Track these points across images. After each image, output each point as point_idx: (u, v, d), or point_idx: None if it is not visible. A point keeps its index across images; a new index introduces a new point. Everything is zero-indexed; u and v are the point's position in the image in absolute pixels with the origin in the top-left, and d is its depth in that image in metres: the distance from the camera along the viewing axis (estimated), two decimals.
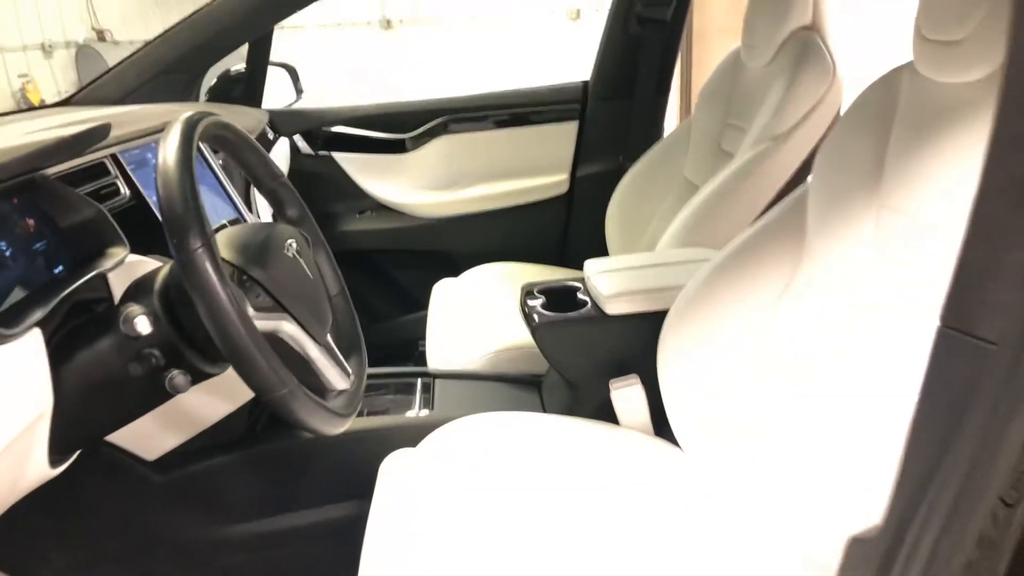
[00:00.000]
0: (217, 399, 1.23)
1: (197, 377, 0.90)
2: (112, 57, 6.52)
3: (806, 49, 1.51)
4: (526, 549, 1.01)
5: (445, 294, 1.91)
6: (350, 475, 1.30)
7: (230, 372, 0.89)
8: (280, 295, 0.86)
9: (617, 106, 2.07)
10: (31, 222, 0.98)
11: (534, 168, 2.14)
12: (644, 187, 1.92)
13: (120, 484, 1.24)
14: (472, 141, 2.11)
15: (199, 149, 1.42)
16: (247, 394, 1.25)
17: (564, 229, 2.17)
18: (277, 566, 1.37)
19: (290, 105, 2.18)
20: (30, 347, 0.82)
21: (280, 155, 1.93)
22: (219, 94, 2.06)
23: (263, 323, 0.83)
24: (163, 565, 1.32)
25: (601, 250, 1.98)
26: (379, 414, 1.41)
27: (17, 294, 0.90)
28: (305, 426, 0.83)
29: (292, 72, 2.20)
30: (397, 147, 2.09)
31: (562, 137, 2.12)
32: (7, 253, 0.91)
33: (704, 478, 1.17)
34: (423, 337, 1.80)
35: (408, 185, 2.12)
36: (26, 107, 6.68)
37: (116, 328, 0.86)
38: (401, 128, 2.09)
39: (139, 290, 0.90)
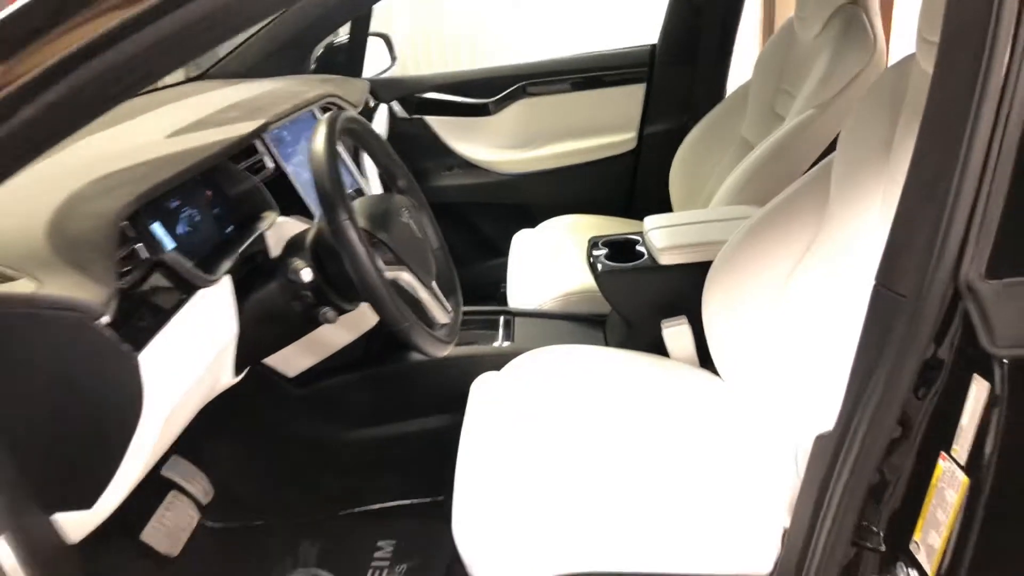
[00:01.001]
0: (342, 329, 1.54)
1: (341, 311, 1.20)
2: None
3: (851, 24, 1.66)
4: (592, 451, 1.28)
5: (524, 243, 2.17)
6: (446, 392, 1.60)
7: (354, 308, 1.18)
8: (399, 251, 1.14)
9: (682, 70, 2.24)
10: (209, 193, 1.28)
11: (604, 127, 2.35)
12: (705, 145, 2.11)
13: (269, 395, 1.58)
14: (548, 103, 2.33)
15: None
16: (366, 325, 1.55)
17: (631, 184, 2.38)
18: (385, 464, 1.69)
19: (385, 71, 2.44)
20: (225, 288, 1.13)
21: (380, 120, 2.20)
22: (325, 64, 2.33)
23: (389, 273, 1.11)
24: (299, 460, 1.66)
25: (665, 203, 2.19)
26: (469, 344, 1.70)
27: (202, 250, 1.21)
28: (420, 349, 1.12)
29: (387, 41, 2.46)
30: (481, 110, 2.34)
31: (631, 98, 2.32)
32: (197, 218, 1.22)
33: (736, 398, 1.42)
34: (503, 280, 2.07)
35: (491, 144, 2.37)
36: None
37: (282, 275, 1.17)
38: (484, 92, 2.32)
39: (295, 247, 1.19)
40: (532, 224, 2.25)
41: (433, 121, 2.35)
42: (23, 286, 0.85)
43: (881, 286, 0.79)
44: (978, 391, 0.72)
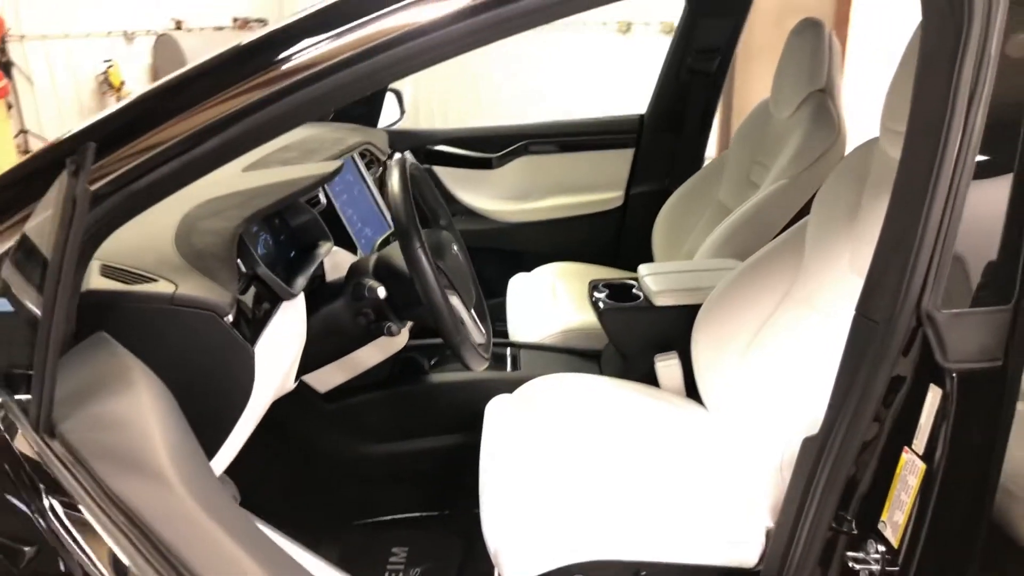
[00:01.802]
0: (374, 350, 1.71)
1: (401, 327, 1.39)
2: (187, 44, 7.09)
3: (819, 109, 1.95)
4: (599, 462, 1.47)
5: (520, 285, 2.38)
6: (461, 413, 1.77)
7: None
8: (452, 278, 1.34)
9: (667, 138, 2.52)
10: (277, 222, 1.46)
11: (596, 185, 2.60)
12: (686, 206, 2.37)
13: (301, 408, 1.73)
14: (547, 161, 2.58)
15: (358, 168, 1.91)
16: (394, 348, 1.73)
17: (617, 236, 2.63)
18: (399, 478, 1.85)
19: (394, 124, 2.66)
20: (300, 303, 1.31)
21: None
22: (341, 114, 2.53)
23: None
24: (321, 472, 1.81)
25: (647, 255, 2.43)
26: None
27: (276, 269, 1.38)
28: (465, 361, 1.31)
29: (399, 96, 2.69)
30: (485, 164, 2.57)
31: (620, 160, 2.58)
32: (271, 243, 1.40)
33: (718, 422, 1.63)
34: (500, 319, 2.27)
35: (492, 195, 2.60)
36: (108, 88, 7.25)
37: (348, 293, 1.35)
38: (489, 148, 2.56)
39: (360, 270, 1.38)
40: (527, 269, 2.46)
41: (441, 171, 2.57)
42: (163, 287, 1.02)
43: (860, 315, 1.02)
44: (933, 397, 0.94)
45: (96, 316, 0.98)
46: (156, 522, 0.65)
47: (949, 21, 0.91)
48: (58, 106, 6.80)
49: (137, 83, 7.11)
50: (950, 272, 0.91)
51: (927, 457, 0.95)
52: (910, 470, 0.98)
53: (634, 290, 1.88)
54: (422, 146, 2.55)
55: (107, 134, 0.87)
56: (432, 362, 1.91)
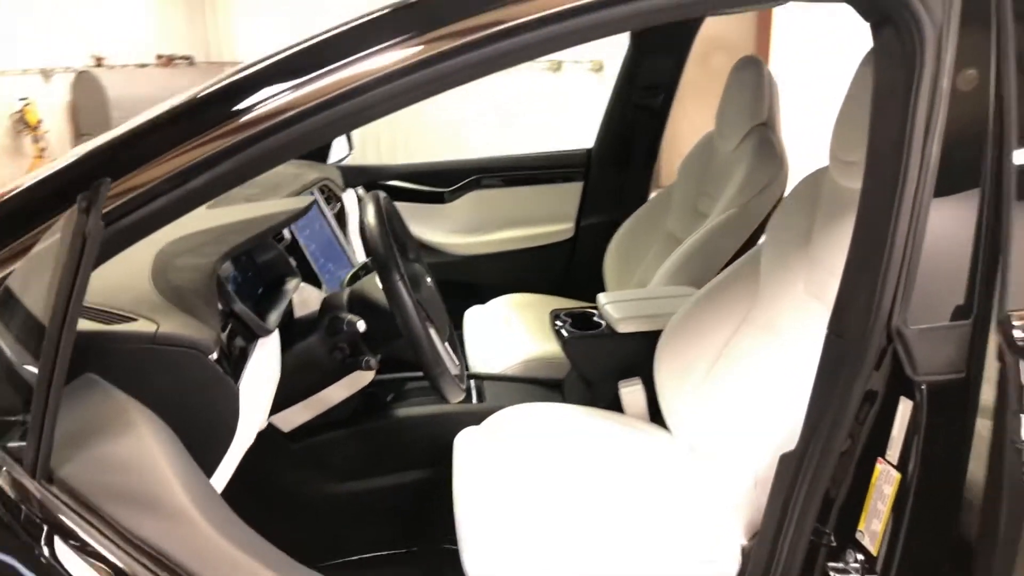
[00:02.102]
0: (340, 387, 1.69)
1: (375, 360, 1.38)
2: (109, 82, 6.90)
3: (762, 141, 2.05)
4: (573, 490, 1.49)
5: (476, 317, 2.39)
6: (429, 447, 1.76)
7: None
8: (428, 310, 1.34)
9: (614, 171, 2.59)
10: (244, 259, 1.45)
11: (546, 218, 2.65)
12: (635, 237, 2.44)
13: (264, 448, 1.69)
14: (498, 195, 2.62)
15: (318, 203, 1.91)
16: (361, 383, 1.71)
17: (568, 267, 2.68)
18: (364, 517, 1.82)
19: (342, 159, 2.66)
20: (274, 340, 1.29)
21: (350, 203, 2.40)
22: None
23: None
24: (284, 513, 1.76)
25: (598, 285, 2.48)
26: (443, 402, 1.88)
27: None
28: (444, 392, 1.31)
29: (347, 133, 2.69)
30: (437, 198, 2.59)
31: (570, 193, 2.64)
32: (240, 280, 1.38)
33: (684, 447, 1.67)
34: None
35: (445, 229, 2.62)
36: (23, 127, 7.00)
37: (322, 328, 1.34)
38: (441, 183, 2.59)
39: (333, 305, 1.37)
40: (481, 301, 2.48)
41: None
42: (144, 326, 1.00)
43: (832, 334, 1.07)
44: (904, 408, 1.00)
45: (77, 359, 0.95)
46: (190, 561, 0.63)
47: (901, 61, 0.98)
48: None
49: (55, 122, 6.87)
50: (916, 291, 0.97)
51: (901, 466, 1.00)
52: (885, 479, 1.03)
53: (595, 318, 1.91)
54: (374, 181, 2.55)
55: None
56: (389, 397, 1.89)
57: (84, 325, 0.98)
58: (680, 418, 1.71)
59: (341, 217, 1.95)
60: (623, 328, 1.82)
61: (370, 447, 1.78)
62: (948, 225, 0.97)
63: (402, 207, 2.57)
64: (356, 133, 2.78)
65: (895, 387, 1.01)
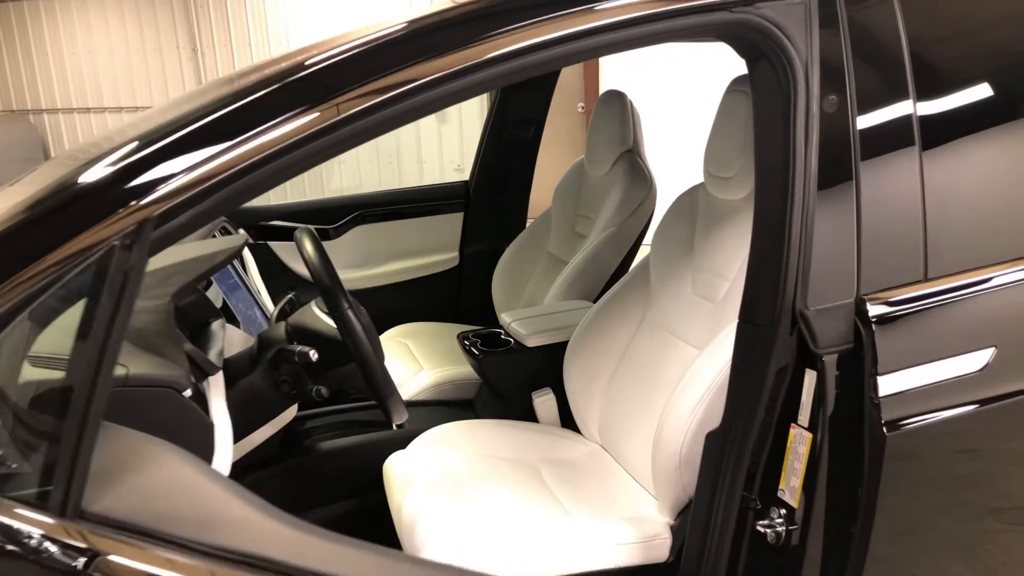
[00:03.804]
0: (265, 425, 1.68)
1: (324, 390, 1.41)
2: None
3: (632, 165, 2.26)
4: (510, 494, 1.58)
5: None
6: (358, 477, 1.79)
7: None
8: (370, 336, 1.39)
9: (492, 200, 2.73)
10: None
11: (431, 248, 2.74)
12: (519, 260, 2.59)
13: None
14: (382, 228, 2.67)
15: (233, 266, 1.88)
16: (285, 420, 1.71)
17: (456, 294, 2.77)
18: None
19: None
20: (220, 378, 1.29)
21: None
22: None
23: None
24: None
25: (487, 309, 2.60)
26: (362, 433, 1.91)
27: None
28: (394, 414, 1.36)
29: None
30: (322, 235, 2.60)
31: (452, 224, 2.75)
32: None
33: (595, 446, 1.82)
34: None
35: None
36: None
37: (264, 363, 1.35)
38: (324, 220, 2.60)
39: (273, 339, 1.39)
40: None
41: (277, 246, 2.56)
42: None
43: (744, 322, 1.25)
44: (810, 378, 1.19)
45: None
46: (280, 555, 0.66)
47: (777, 89, 1.18)
48: None
49: None
50: (812, 277, 1.17)
51: (811, 427, 1.19)
52: (800, 441, 1.21)
53: (502, 336, 2.02)
54: (255, 223, 2.53)
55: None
56: (310, 431, 1.90)
57: (49, 376, 0.96)
58: (591, 419, 1.85)
59: (240, 258, 1.93)
60: (532, 342, 1.94)
61: (298, 483, 1.77)
62: (830, 220, 1.18)
63: (286, 247, 2.59)
64: None
65: (802, 361, 1.19)
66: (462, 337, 2.03)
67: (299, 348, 1.35)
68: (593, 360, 1.86)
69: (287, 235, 2.58)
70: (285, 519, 0.75)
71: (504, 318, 2.04)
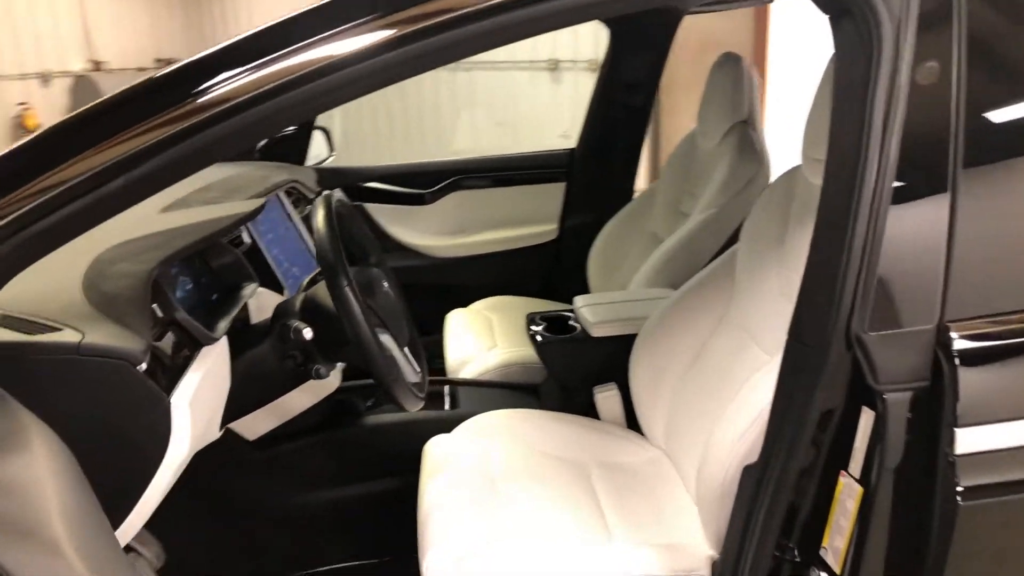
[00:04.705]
0: (304, 394, 1.65)
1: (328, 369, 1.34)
2: (107, 86, 6.89)
3: (743, 139, 2.00)
4: (543, 500, 1.44)
5: (457, 321, 2.34)
6: (397, 455, 1.72)
7: None
8: (383, 316, 1.30)
9: (597, 171, 2.54)
10: (197, 264, 1.40)
11: (529, 218, 2.60)
12: (619, 237, 2.39)
13: (228, 458, 1.65)
14: (480, 196, 2.57)
15: (284, 207, 1.86)
16: (325, 391, 1.67)
17: (552, 269, 2.63)
18: (334, 527, 1.78)
19: (323, 161, 2.62)
20: (222, 348, 1.25)
21: None
22: (268, 152, 2.48)
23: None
24: (251, 524, 1.72)
25: (582, 287, 2.43)
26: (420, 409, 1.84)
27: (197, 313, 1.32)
28: (399, 402, 1.27)
29: (327, 134, 2.65)
30: (418, 200, 2.54)
31: (553, 194, 2.59)
32: (189, 286, 1.33)
33: (659, 454, 1.63)
34: (438, 356, 2.23)
35: (425, 231, 2.57)
36: (22, 131, 7.00)
37: (273, 336, 1.30)
38: (421, 184, 2.54)
39: (286, 312, 1.33)
40: (463, 304, 2.43)
41: (373, 208, 2.53)
42: (69, 335, 0.96)
43: (793, 340, 1.02)
44: (867, 419, 0.95)
45: None
46: None
47: (860, 52, 0.93)
48: None
49: None
50: (876, 295, 0.92)
51: (863, 480, 0.95)
52: (848, 494, 0.98)
53: (571, 322, 1.87)
54: (353, 183, 2.51)
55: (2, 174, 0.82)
56: (369, 403, 1.85)
57: (4, 335, 0.94)
58: (655, 424, 1.66)
59: (310, 220, 1.90)
60: (598, 332, 1.77)
61: (339, 456, 1.73)
62: (910, 224, 0.92)
63: (382, 209, 2.56)
64: (338, 134, 2.74)
65: (856, 396, 0.96)
66: (531, 318, 1.90)
67: (295, 324, 1.28)
68: (663, 357, 1.66)
69: (384, 198, 2.55)
70: (93, 559, 0.66)
71: (576, 301, 1.87)
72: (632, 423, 1.77)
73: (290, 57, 0.82)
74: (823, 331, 0.95)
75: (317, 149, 2.63)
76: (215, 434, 1.34)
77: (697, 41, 3.00)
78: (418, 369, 1.41)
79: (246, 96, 0.81)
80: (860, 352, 0.93)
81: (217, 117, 0.81)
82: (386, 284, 1.37)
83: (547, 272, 2.63)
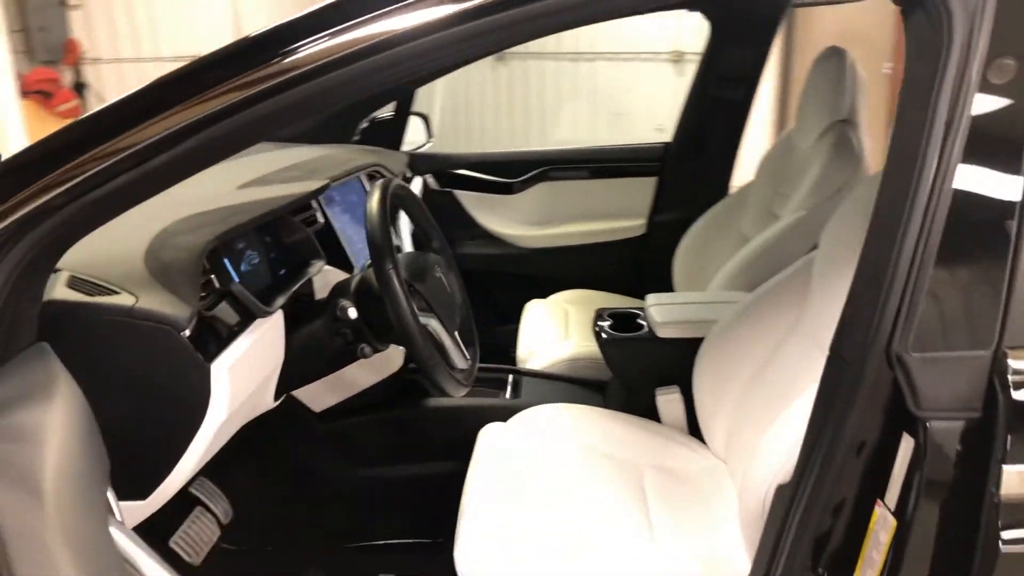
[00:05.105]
0: (368, 371, 1.70)
1: (376, 349, 1.37)
2: None
3: (841, 139, 1.87)
4: (586, 501, 1.41)
5: (535, 312, 2.34)
6: (454, 439, 1.74)
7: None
8: (431, 301, 1.31)
9: (691, 167, 2.46)
10: (268, 239, 1.47)
11: (618, 212, 2.56)
12: (707, 236, 2.31)
13: (294, 426, 1.72)
14: (568, 187, 2.55)
15: (364, 188, 1.92)
16: (389, 369, 1.71)
17: (638, 265, 2.57)
18: (392, 503, 1.82)
19: (421, 147, 2.68)
20: (277, 321, 1.31)
21: (416, 190, 2.41)
22: (368, 136, 2.55)
23: (421, 319, 1.28)
24: (314, 491, 1.80)
25: (667, 285, 2.37)
26: (479, 396, 1.85)
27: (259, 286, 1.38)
28: (440, 387, 1.28)
29: (427, 121, 2.70)
30: (506, 188, 2.55)
31: (643, 188, 2.53)
32: (256, 260, 1.40)
33: (717, 462, 1.56)
34: (513, 345, 2.23)
35: (512, 220, 2.58)
36: None
37: (327, 313, 1.34)
38: (510, 173, 2.55)
39: (341, 290, 1.37)
40: (543, 295, 2.43)
41: (461, 194, 2.57)
42: (123, 299, 1.03)
43: (832, 354, 0.95)
44: (906, 447, 0.87)
45: (56, 327, 0.99)
46: (10, 538, 0.63)
47: (929, 47, 0.86)
48: None
49: None
50: (924, 311, 0.85)
51: (899, 513, 0.88)
52: (882, 526, 0.91)
53: (639, 320, 1.82)
54: (443, 169, 2.55)
55: (68, 142, 0.87)
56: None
57: (68, 295, 1.02)
58: (716, 431, 1.60)
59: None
60: (664, 332, 1.72)
61: (398, 434, 1.77)
62: (968, 236, 0.84)
63: (470, 196, 2.58)
64: (437, 120, 2.79)
65: (896, 421, 0.88)
66: (599, 313, 1.87)
67: (342, 303, 1.31)
68: (728, 363, 1.59)
69: (472, 185, 2.57)
70: (71, 515, 0.69)
71: (648, 299, 1.83)
72: (694, 429, 1.71)
73: (357, 29, 0.81)
74: (862, 346, 0.88)
75: (415, 135, 2.69)
76: (269, 402, 1.40)
77: (835, 34, 2.83)
78: (467, 356, 1.42)
79: (317, 64, 0.81)
80: (901, 373, 0.86)
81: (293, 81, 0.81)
82: (439, 269, 1.38)
83: (632, 268, 2.58)
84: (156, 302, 1.03)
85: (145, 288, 1.05)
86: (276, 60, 0.82)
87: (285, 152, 2.01)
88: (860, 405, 0.90)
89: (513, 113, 6.12)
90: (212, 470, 1.71)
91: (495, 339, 2.54)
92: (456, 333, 1.41)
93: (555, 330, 2.18)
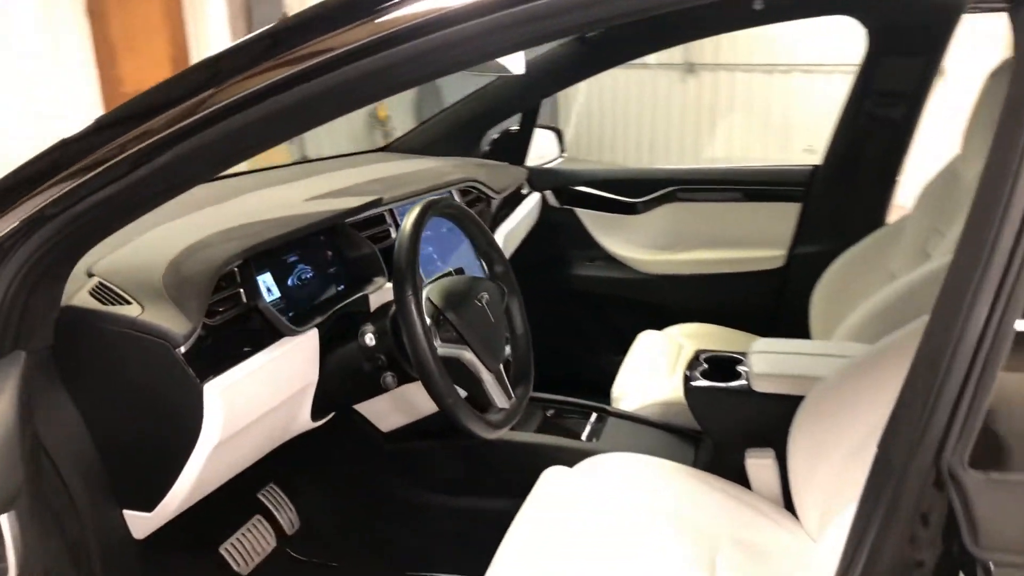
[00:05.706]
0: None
1: (404, 379, 1.29)
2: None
3: None
4: (638, 566, 1.24)
5: (645, 344, 2.15)
6: (518, 477, 1.62)
7: None
8: (464, 331, 1.21)
9: (841, 194, 2.16)
10: (329, 253, 1.44)
11: (753, 241, 2.30)
12: (852, 274, 2.00)
13: (362, 445, 1.69)
14: (698, 209, 2.33)
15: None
16: None
17: (774, 302, 2.30)
18: (455, 536, 1.73)
19: (551, 162, 2.58)
20: (309, 341, 1.27)
21: (529, 206, 2.32)
22: (497, 148, 2.49)
23: (447, 350, 1.18)
24: (378, 512, 1.75)
25: (805, 325, 2.08)
26: (553, 433, 1.72)
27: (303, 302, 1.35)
28: (463, 428, 1.17)
29: (559, 134, 2.60)
30: (629, 208, 2.39)
31: (785, 215, 2.25)
32: (308, 275, 1.37)
33: (808, 544, 1.32)
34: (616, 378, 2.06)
35: (635, 242, 2.40)
36: (374, 121, 7.94)
37: (361, 337, 1.28)
38: (635, 192, 2.38)
39: (380, 312, 1.31)
40: (660, 326, 2.23)
41: (582, 213, 2.43)
42: (131, 310, 1.02)
43: (880, 451, 0.74)
44: None
45: (71, 332, 1.01)
46: None
47: None
48: (331, 136, 7.10)
49: (400, 119, 7.61)
50: (990, 413, 0.62)
51: None
52: None
53: (740, 367, 1.60)
54: (564, 186, 2.43)
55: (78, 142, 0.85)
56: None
57: (86, 302, 1.04)
58: (809, 508, 1.36)
59: (484, 220, 1.86)
60: (760, 386, 1.49)
61: (462, 465, 1.69)
62: None
63: (590, 215, 2.44)
64: (570, 132, 2.68)
65: (949, 555, 0.66)
66: (697, 354, 1.66)
67: (363, 327, 1.24)
68: (829, 429, 1.34)
69: (594, 204, 2.43)
70: None
71: (754, 345, 1.60)
72: (791, 501, 1.46)
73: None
74: (908, 449, 0.67)
75: (546, 150, 2.59)
76: (306, 422, 1.36)
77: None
78: (512, 395, 1.30)
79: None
80: (955, 495, 0.63)
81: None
82: (485, 296, 1.27)
83: (765, 304, 2.31)
84: (159, 315, 1.02)
85: (153, 300, 1.04)
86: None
87: (394, 164, 2.00)
88: (900, 524, 0.68)
89: (699, 127, 5.86)
90: (284, 479, 1.72)
91: (601, 369, 2.38)
92: (500, 368, 1.29)
93: (662, 366, 1.99)
